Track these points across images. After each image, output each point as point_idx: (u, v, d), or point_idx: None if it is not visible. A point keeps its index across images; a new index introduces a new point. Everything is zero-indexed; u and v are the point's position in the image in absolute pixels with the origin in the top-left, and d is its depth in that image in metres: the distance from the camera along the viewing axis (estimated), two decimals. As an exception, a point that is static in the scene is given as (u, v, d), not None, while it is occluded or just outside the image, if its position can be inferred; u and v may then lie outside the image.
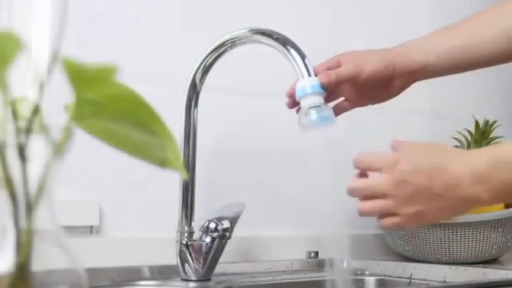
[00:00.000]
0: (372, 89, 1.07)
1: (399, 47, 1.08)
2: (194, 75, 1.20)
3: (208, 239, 1.18)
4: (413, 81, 1.10)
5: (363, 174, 0.88)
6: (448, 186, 0.82)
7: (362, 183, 0.87)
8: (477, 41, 1.06)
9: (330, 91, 1.03)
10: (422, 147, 0.89)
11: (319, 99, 1.00)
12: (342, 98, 1.09)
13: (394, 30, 1.66)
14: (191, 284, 1.18)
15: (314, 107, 0.99)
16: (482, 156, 0.82)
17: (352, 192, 0.89)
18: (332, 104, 1.08)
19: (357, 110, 1.65)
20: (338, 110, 1.09)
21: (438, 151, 0.86)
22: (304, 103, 1.01)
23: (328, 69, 1.05)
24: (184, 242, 1.18)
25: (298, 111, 1.05)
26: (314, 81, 1.02)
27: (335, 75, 1.03)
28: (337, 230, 1.04)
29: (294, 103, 1.06)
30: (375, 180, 0.86)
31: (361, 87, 1.06)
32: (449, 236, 1.41)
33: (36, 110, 0.47)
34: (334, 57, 1.07)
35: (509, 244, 1.47)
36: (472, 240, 1.41)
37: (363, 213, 0.88)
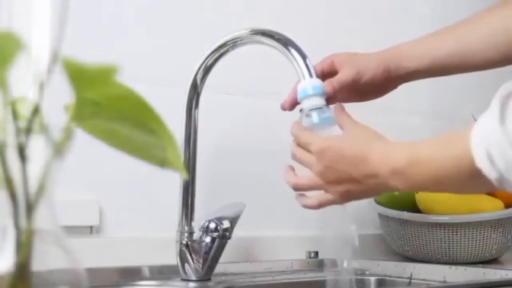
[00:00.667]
0: (364, 91, 1.08)
1: (392, 51, 1.09)
2: (195, 76, 1.20)
3: (208, 239, 1.18)
4: (404, 82, 1.12)
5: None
6: (366, 176, 0.89)
7: (302, 154, 0.97)
8: (471, 47, 1.07)
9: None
10: (352, 133, 0.95)
11: (320, 100, 1.00)
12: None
13: (394, 30, 1.66)
14: (191, 284, 1.18)
15: (315, 109, 0.99)
16: (400, 153, 0.87)
17: (293, 157, 0.99)
18: None
19: (357, 110, 1.65)
20: None
21: (363, 140, 0.92)
22: (305, 104, 1.01)
23: (323, 71, 1.06)
24: (184, 242, 1.18)
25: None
26: (316, 82, 1.02)
27: (337, 83, 1.03)
28: (337, 230, 1.04)
29: (293, 106, 1.06)
30: (310, 159, 0.95)
31: (355, 89, 1.06)
32: (449, 236, 1.41)
33: (36, 110, 0.47)
34: (328, 58, 1.07)
35: (509, 244, 1.47)
36: (472, 240, 1.41)
37: (297, 186, 0.98)
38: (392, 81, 1.09)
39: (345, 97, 1.07)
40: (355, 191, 0.92)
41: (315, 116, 0.99)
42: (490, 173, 0.72)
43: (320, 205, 0.97)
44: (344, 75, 1.04)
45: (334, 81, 1.03)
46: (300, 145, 0.97)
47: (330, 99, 1.04)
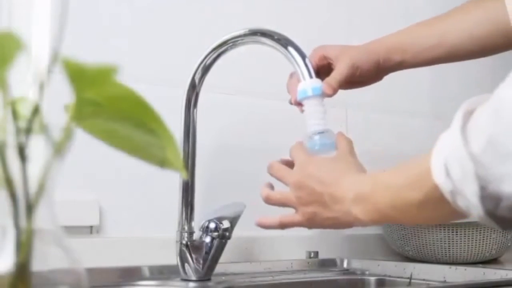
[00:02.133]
0: (353, 82, 1.10)
1: (380, 43, 1.11)
2: (194, 75, 1.20)
3: (208, 239, 1.18)
4: (390, 73, 1.14)
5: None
6: (333, 198, 0.88)
7: (279, 167, 0.98)
8: (456, 37, 1.09)
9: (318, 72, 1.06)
10: (338, 158, 0.94)
11: (321, 107, 1.01)
12: None
13: (394, 30, 1.66)
14: (191, 284, 1.18)
15: (318, 133, 1.00)
16: (367, 179, 0.86)
17: (269, 169, 0.99)
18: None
19: (357, 110, 1.65)
20: None
21: (344, 166, 0.92)
22: (305, 106, 1.01)
23: (316, 67, 1.07)
24: (184, 242, 1.18)
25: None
26: (315, 83, 1.02)
27: (336, 83, 1.05)
28: (336, 230, 1.05)
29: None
30: (288, 172, 0.96)
31: (353, 80, 1.08)
32: (449, 236, 1.41)
33: (36, 110, 0.47)
34: (318, 52, 1.09)
35: (509, 244, 1.47)
36: (472, 240, 1.41)
37: (268, 198, 0.97)
38: (380, 72, 1.11)
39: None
40: (321, 216, 0.90)
41: (316, 141, 0.99)
42: (445, 185, 0.68)
43: (281, 224, 0.96)
44: (340, 72, 1.06)
45: (333, 82, 1.05)
46: (291, 156, 0.98)
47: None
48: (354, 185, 0.86)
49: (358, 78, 1.09)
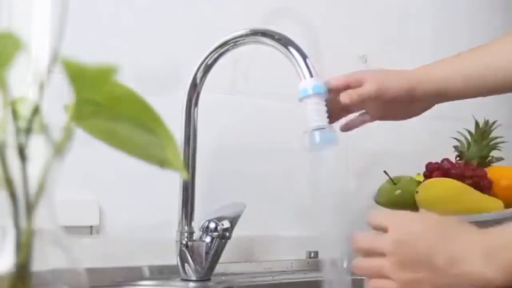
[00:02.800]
0: (394, 109, 1.08)
1: (417, 72, 1.08)
2: (195, 74, 1.20)
3: (208, 239, 1.18)
4: (433, 105, 1.11)
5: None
6: (451, 260, 0.73)
7: (365, 235, 0.81)
8: (491, 70, 1.07)
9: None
10: (440, 217, 0.81)
11: (321, 104, 1.01)
12: (363, 111, 1.10)
13: (394, 29, 1.66)
14: (191, 284, 1.18)
15: (318, 129, 1.00)
16: (494, 232, 0.74)
17: (354, 243, 0.82)
18: (353, 115, 1.11)
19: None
20: (358, 122, 1.11)
21: (449, 222, 0.79)
22: (307, 105, 1.02)
23: (347, 86, 1.05)
24: (184, 242, 1.18)
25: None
26: (316, 81, 1.02)
27: (357, 95, 1.03)
28: (337, 230, 1.04)
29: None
30: (379, 237, 0.79)
31: (384, 106, 1.06)
32: (449, 236, 1.41)
33: (36, 110, 0.47)
34: (354, 74, 1.07)
35: (509, 244, 1.47)
36: (472, 240, 1.41)
37: (356, 269, 0.81)
38: (419, 102, 1.08)
39: (376, 112, 1.08)
40: (426, 283, 0.73)
41: (317, 136, 0.99)
42: None
43: None
44: (366, 88, 1.04)
45: (353, 93, 1.03)
46: (373, 227, 0.81)
47: (363, 113, 1.07)
48: (481, 239, 0.73)
49: (390, 104, 1.05)
